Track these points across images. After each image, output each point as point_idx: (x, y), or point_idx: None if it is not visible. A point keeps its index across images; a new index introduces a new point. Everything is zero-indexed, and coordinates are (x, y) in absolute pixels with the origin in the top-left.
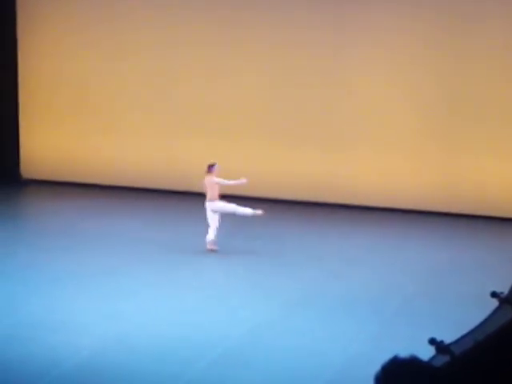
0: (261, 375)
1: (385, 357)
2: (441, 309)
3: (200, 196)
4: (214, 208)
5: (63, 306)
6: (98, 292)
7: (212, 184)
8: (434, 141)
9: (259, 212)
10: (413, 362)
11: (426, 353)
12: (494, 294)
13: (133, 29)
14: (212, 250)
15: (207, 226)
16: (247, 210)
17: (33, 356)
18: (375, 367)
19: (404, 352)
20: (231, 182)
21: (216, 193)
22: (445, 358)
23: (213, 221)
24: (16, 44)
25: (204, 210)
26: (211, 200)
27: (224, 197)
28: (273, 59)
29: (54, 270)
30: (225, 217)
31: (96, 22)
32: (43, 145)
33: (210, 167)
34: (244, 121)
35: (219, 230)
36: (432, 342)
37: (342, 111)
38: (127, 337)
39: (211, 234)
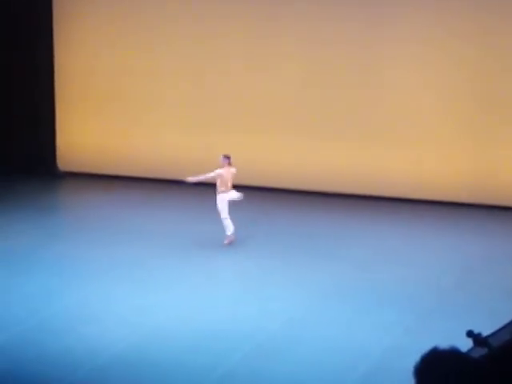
0: (295, 367)
1: (420, 349)
2: (476, 301)
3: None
4: (231, 198)
5: (99, 298)
6: (133, 284)
7: (232, 175)
8: (466, 133)
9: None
10: (453, 354)
11: (462, 345)
12: None
13: (165, 22)
14: (231, 243)
15: (218, 218)
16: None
17: (69, 348)
18: (411, 359)
19: (440, 344)
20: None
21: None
22: (482, 351)
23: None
24: (52, 38)
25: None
26: (229, 191)
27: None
28: (305, 55)
29: (90, 262)
30: (252, 211)
31: (132, 14)
32: (79, 138)
33: (229, 158)
34: (275, 115)
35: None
36: (470, 334)
37: (374, 105)
38: (162, 329)
39: (231, 225)
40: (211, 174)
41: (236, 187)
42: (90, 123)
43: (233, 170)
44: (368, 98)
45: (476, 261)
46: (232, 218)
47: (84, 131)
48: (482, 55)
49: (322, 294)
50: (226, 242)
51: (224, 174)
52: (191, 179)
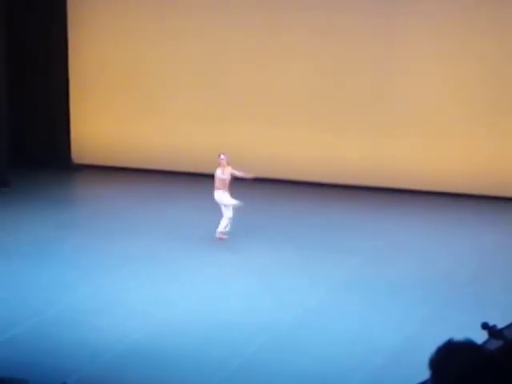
0: (310, 360)
1: (435, 341)
2: (491, 294)
3: (245, 181)
4: (230, 202)
5: (113, 290)
6: (147, 276)
7: (229, 174)
8: (481, 125)
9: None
10: (468, 346)
11: (477, 337)
12: None
13: (181, 14)
14: (222, 239)
15: (220, 214)
16: None
17: (84, 340)
18: (425, 352)
19: (455, 336)
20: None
21: None
22: (498, 343)
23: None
24: (66, 32)
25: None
26: (226, 190)
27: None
28: (322, 46)
29: (104, 255)
30: (265, 203)
31: (145, 6)
32: (93, 131)
33: (225, 157)
34: (288, 107)
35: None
36: (485, 326)
37: (387, 97)
38: (176, 321)
39: (227, 223)
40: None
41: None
42: (104, 116)
43: (229, 169)
44: (381, 90)
45: (491, 253)
46: (245, 211)
47: (98, 124)
48: (498, 48)
49: (336, 286)
50: (217, 236)
51: (225, 174)
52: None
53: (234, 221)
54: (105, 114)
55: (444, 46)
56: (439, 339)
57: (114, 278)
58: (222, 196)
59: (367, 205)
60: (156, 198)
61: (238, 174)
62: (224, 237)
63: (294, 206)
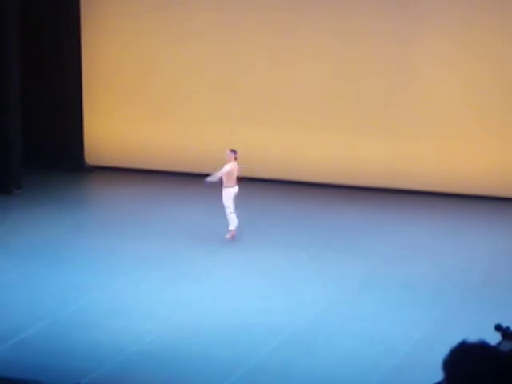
0: (324, 361)
1: (449, 343)
2: (505, 296)
3: (260, 182)
4: (236, 192)
5: (126, 291)
6: (161, 278)
7: (238, 170)
8: (497, 128)
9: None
10: (482, 347)
11: (491, 339)
12: None
13: (195, 15)
14: (233, 238)
15: (223, 213)
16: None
17: (97, 341)
18: (439, 353)
19: (469, 338)
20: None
21: None
22: (511, 344)
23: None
24: (79, 34)
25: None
26: (235, 185)
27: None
28: (337, 47)
29: (118, 256)
30: (280, 204)
31: (158, 8)
32: (106, 132)
33: (235, 153)
34: (304, 109)
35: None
36: (498, 328)
37: (406, 99)
38: (190, 322)
39: (236, 220)
40: (224, 170)
41: (265, 181)
42: (117, 117)
43: (235, 164)
44: (395, 92)
45: (504, 254)
46: (257, 211)
47: (111, 125)
48: None
49: (350, 287)
50: (228, 236)
51: (232, 169)
52: (210, 179)
53: (248, 222)
54: (118, 115)
55: (459, 49)
56: (453, 341)
57: (127, 279)
58: (233, 191)
59: (381, 206)
60: (169, 199)
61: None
62: (234, 233)
63: (307, 208)
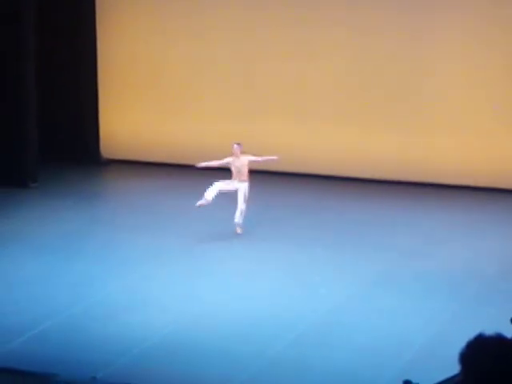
0: (340, 354)
1: (466, 336)
2: None
3: (278, 175)
4: (241, 188)
5: (142, 285)
6: (176, 271)
7: (244, 163)
8: (510, 120)
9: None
10: (498, 340)
11: (508, 332)
12: None
13: (211, 10)
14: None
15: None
16: None
17: (113, 335)
18: (455, 347)
19: (486, 331)
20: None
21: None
22: None
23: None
24: (95, 27)
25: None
26: (244, 179)
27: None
28: (350, 42)
29: (134, 249)
30: (298, 198)
31: (171, 3)
32: (122, 126)
33: (240, 147)
34: (320, 103)
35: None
36: None
37: (419, 94)
38: (206, 316)
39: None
40: (221, 161)
41: (281, 174)
42: (132, 111)
43: (245, 158)
44: (409, 87)
45: None
46: (273, 205)
47: (126, 119)
48: None
49: (366, 281)
50: (238, 230)
51: (232, 162)
52: (202, 165)
53: (262, 215)
54: (133, 109)
55: (473, 42)
56: (469, 334)
57: (142, 272)
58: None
59: (396, 199)
60: (184, 192)
61: (259, 158)
62: (238, 230)
63: (322, 201)
